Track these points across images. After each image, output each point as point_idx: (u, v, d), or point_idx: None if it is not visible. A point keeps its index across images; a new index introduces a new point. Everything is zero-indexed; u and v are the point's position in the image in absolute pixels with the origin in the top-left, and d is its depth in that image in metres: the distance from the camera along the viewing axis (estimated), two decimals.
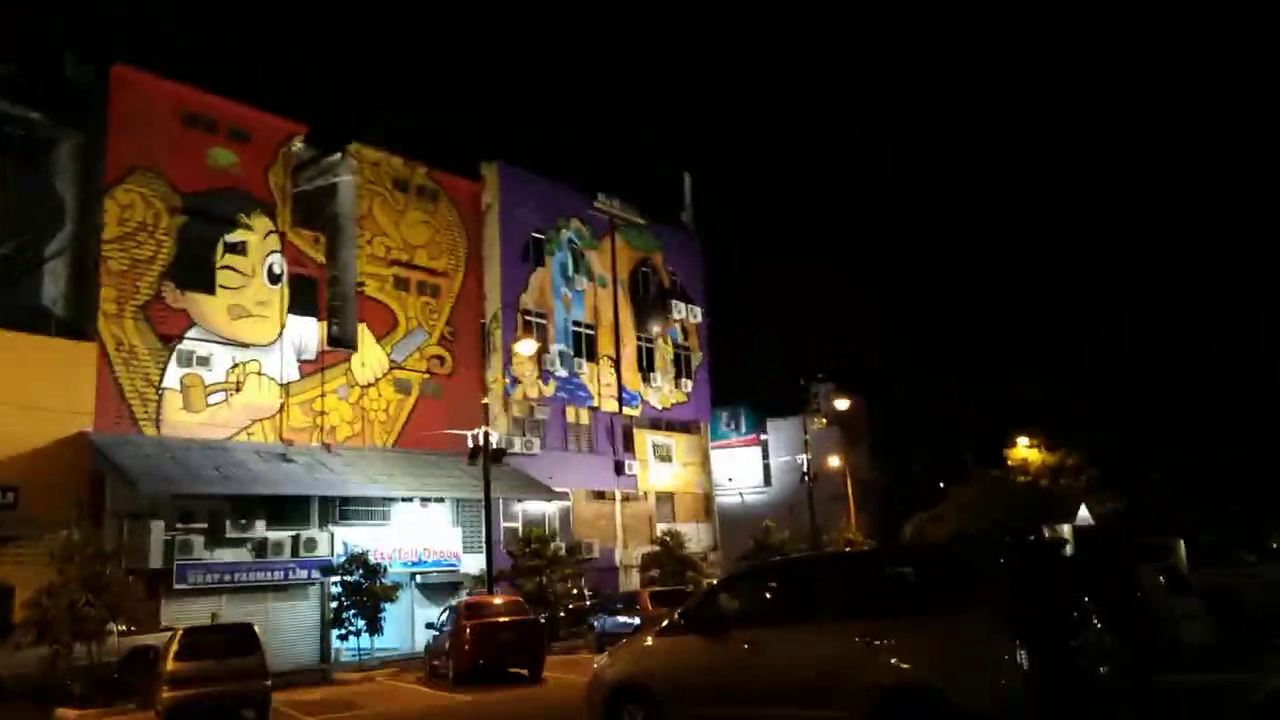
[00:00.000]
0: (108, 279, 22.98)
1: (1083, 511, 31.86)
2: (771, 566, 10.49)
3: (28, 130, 23.69)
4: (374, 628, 22.57)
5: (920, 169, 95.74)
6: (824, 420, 35.39)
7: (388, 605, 23.04)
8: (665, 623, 8.52)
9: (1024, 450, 44.04)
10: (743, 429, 56.10)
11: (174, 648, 13.94)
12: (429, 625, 19.46)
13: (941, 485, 40.15)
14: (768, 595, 8.49)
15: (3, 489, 20.34)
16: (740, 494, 53.44)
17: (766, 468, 53.52)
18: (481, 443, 22.55)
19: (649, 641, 8.61)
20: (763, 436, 53.76)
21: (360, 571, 22.61)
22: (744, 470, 53.05)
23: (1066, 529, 29.76)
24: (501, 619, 17.09)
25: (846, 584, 8.00)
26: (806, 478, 34.54)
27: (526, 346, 25.39)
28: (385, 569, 23.25)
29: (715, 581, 10.41)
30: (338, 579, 23.05)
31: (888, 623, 7.28)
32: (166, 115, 24.78)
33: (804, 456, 34.75)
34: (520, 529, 30.16)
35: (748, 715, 7.61)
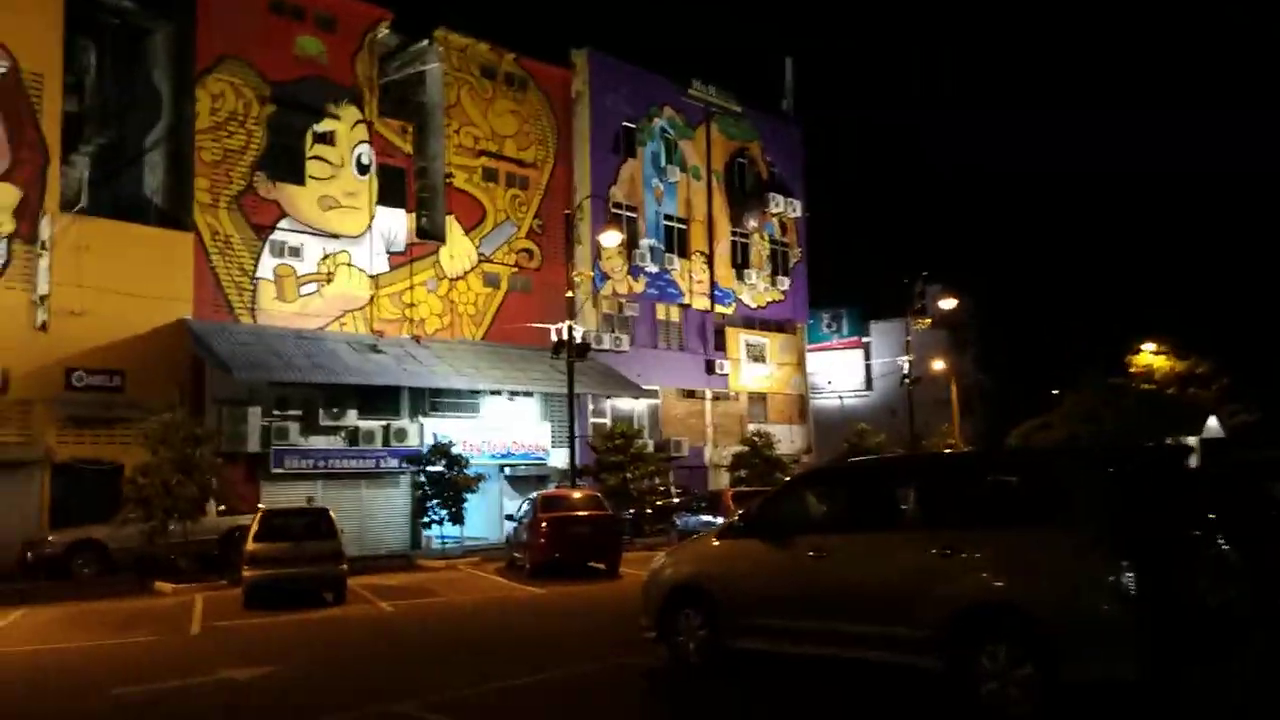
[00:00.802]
0: (202, 169, 23.10)
1: (1211, 422, 29.96)
2: (843, 469, 9.72)
3: (121, 20, 23.67)
4: (456, 517, 22.86)
5: (1040, 50, 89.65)
6: (927, 321, 33.84)
7: (471, 496, 23.24)
8: (727, 524, 7.95)
9: (1149, 356, 41.54)
10: (844, 331, 54.86)
11: (254, 529, 14.20)
12: (508, 517, 19.54)
13: (1055, 392, 38.45)
14: (840, 499, 7.80)
15: (109, 372, 21.00)
16: (840, 397, 52.59)
17: (868, 371, 52.42)
18: (565, 337, 22.16)
19: (713, 543, 8.07)
20: (865, 339, 52.57)
21: (443, 462, 22.79)
22: (845, 373, 52.11)
23: (1193, 440, 28.03)
24: (578, 513, 16.93)
25: (928, 489, 7.24)
26: (906, 380, 33.31)
27: (610, 238, 24.70)
28: (467, 460, 23.40)
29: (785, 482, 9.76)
30: (423, 469, 23.30)
31: (973, 534, 6.53)
32: (253, 2, 24.42)
33: (905, 359, 33.43)
34: (609, 425, 30.10)
35: (813, 628, 7.05)
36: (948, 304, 33.55)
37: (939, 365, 46.29)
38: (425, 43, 28.24)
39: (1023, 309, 57.40)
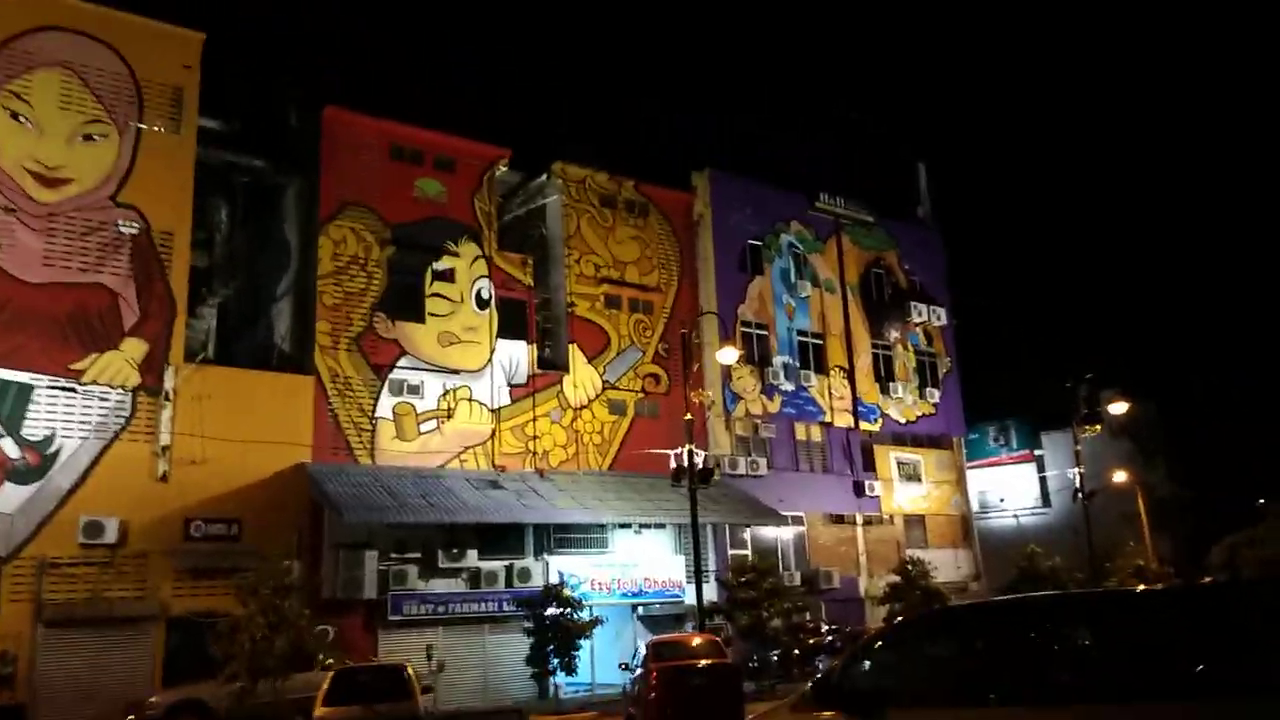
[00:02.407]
0: (322, 313, 23.44)
1: None
2: (957, 613, 7.43)
3: (253, 177, 24.83)
4: (567, 666, 21.18)
5: (1188, 122, 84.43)
6: (1096, 429, 30.50)
7: (597, 638, 21.64)
8: (799, 694, 6.13)
9: None
10: (1013, 444, 51.25)
11: (324, 689, 13.13)
12: (623, 665, 17.76)
13: (1261, 501, 33.92)
14: (956, 656, 5.86)
15: (227, 520, 20.94)
16: (1015, 516, 48.73)
17: (1043, 486, 48.51)
18: (686, 463, 20.70)
19: (786, 718, 6.25)
20: (1037, 452, 48.90)
21: (554, 604, 21.36)
22: (1018, 490, 48.51)
23: None
24: (693, 662, 15.01)
25: (1100, 640, 5.23)
26: (1080, 495, 29.86)
27: (727, 355, 23.36)
28: (581, 601, 21.91)
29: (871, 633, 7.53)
30: (536, 612, 21.93)
31: (1183, 707, 4.51)
32: (375, 151, 25.19)
33: (1075, 470, 30.09)
34: (750, 557, 28.10)
35: None
36: (1119, 408, 30.25)
37: (1120, 477, 41.99)
38: (544, 177, 28.49)
39: (1218, 408, 51.91)
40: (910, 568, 26.56)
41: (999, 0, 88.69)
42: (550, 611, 21.70)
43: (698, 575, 20.32)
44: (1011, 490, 48.91)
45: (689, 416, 21.35)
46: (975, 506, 52.33)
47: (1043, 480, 49.14)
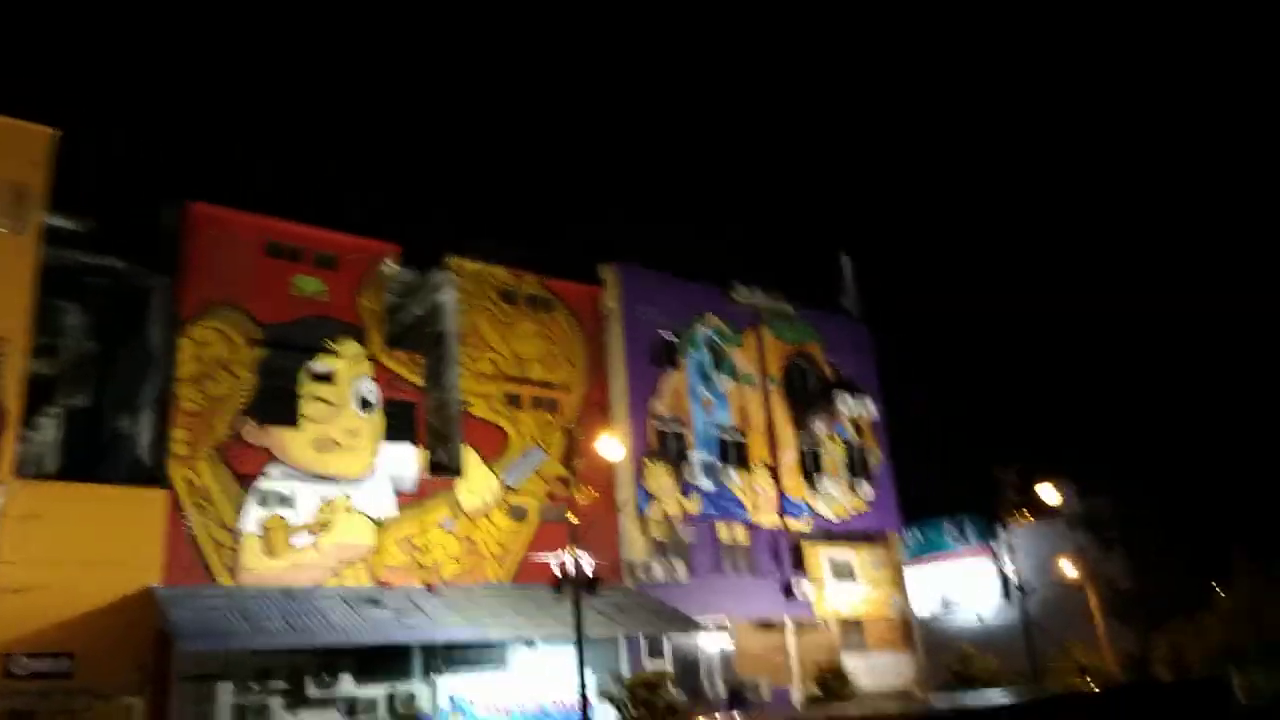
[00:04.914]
0: (181, 420, 21.66)
1: None
2: None
3: (113, 279, 23.28)
4: None
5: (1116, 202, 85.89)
6: (1027, 517, 29.05)
7: None
8: None
9: None
10: (970, 539, 49.77)
11: None
12: None
13: (1215, 585, 32.45)
14: None
15: (56, 655, 18.61)
16: (978, 616, 46.88)
17: (1004, 581, 46.74)
18: (572, 570, 18.83)
19: None
20: (994, 544, 47.34)
21: None
22: (980, 587, 46.74)
23: None
24: None
25: None
26: (1017, 589, 28.16)
27: (611, 447, 21.68)
28: None
29: None
30: None
31: None
32: (248, 249, 23.87)
33: (1009, 565, 28.46)
34: (671, 670, 25.99)
35: None
36: (1051, 497, 28.79)
37: (1069, 569, 40.47)
38: (437, 272, 27.21)
39: (1173, 496, 50.76)
40: (829, 678, 24.45)
41: (921, 85, 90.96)
42: None
43: (583, 698, 18.20)
44: (973, 588, 47.21)
45: (573, 518, 19.54)
46: (938, 607, 50.40)
47: (1004, 576, 47.46)
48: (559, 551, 19.09)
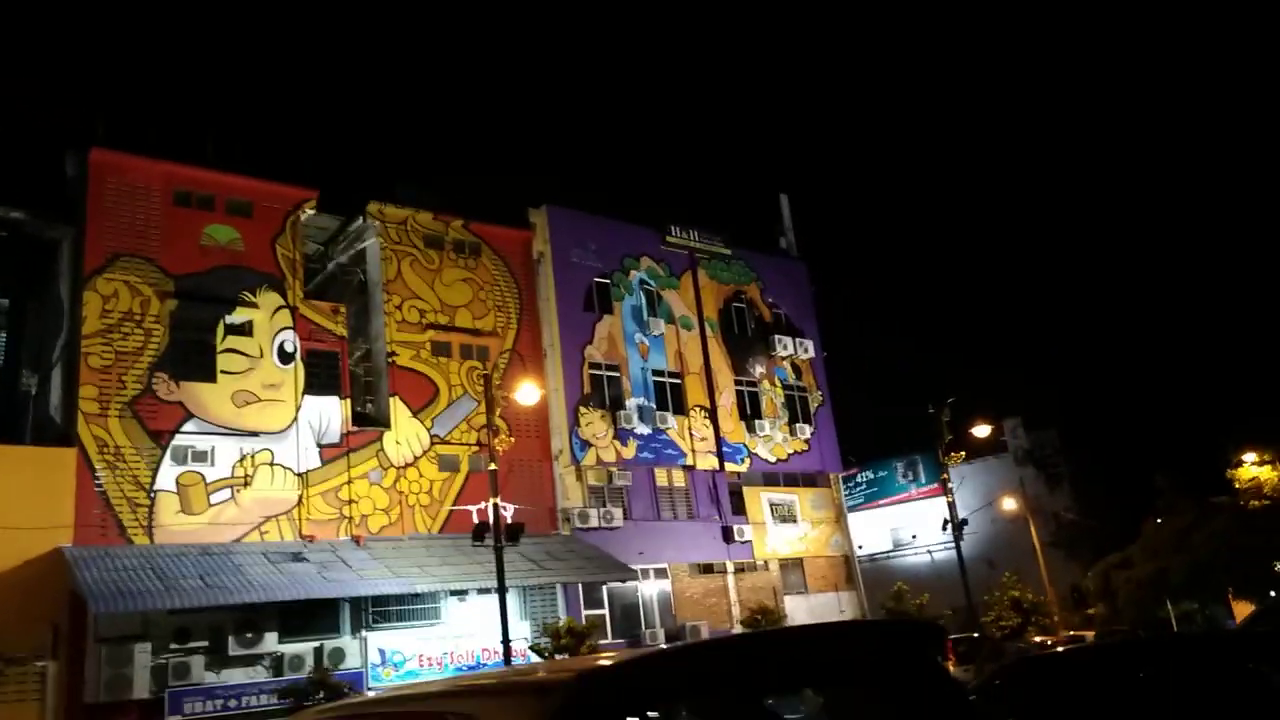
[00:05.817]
0: (89, 376, 20.88)
1: None
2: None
3: (13, 231, 22.33)
4: None
5: (1067, 141, 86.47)
6: (960, 456, 29.36)
7: None
8: None
9: (1252, 469, 35.57)
10: (922, 479, 50.40)
11: None
12: None
13: (1152, 516, 33.08)
14: None
15: None
16: (929, 552, 47.70)
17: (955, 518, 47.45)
18: (491, 519, 18.54)
19: None
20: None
21: (321, 695, 18.79)
22: (932, 524, 47.48)
23: None
24: None
25: None
26: (954, 524, 28.45)
27: (527, 394, 21.31)
28: (349, 688, 19.42)
29: None
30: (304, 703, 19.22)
31: None
32: (155, 197, 22.91)
33: (946, 500, 28.71)
34: (609, 617, 26.07)
35: None
36: (981, 431, 29.04)
37: (1010, 504, 41.16)
38: (360, 219, 26.42)
39: (1113, 432, 51.70)
40: (760, 618, 24.59)
41: (861, 24, 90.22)
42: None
43: (506, 647, 18.05)
44: (925, 525, 47.92)
45: (493, 466, 19.20)
46: (889, 544, 51.09)
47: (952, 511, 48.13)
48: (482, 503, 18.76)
